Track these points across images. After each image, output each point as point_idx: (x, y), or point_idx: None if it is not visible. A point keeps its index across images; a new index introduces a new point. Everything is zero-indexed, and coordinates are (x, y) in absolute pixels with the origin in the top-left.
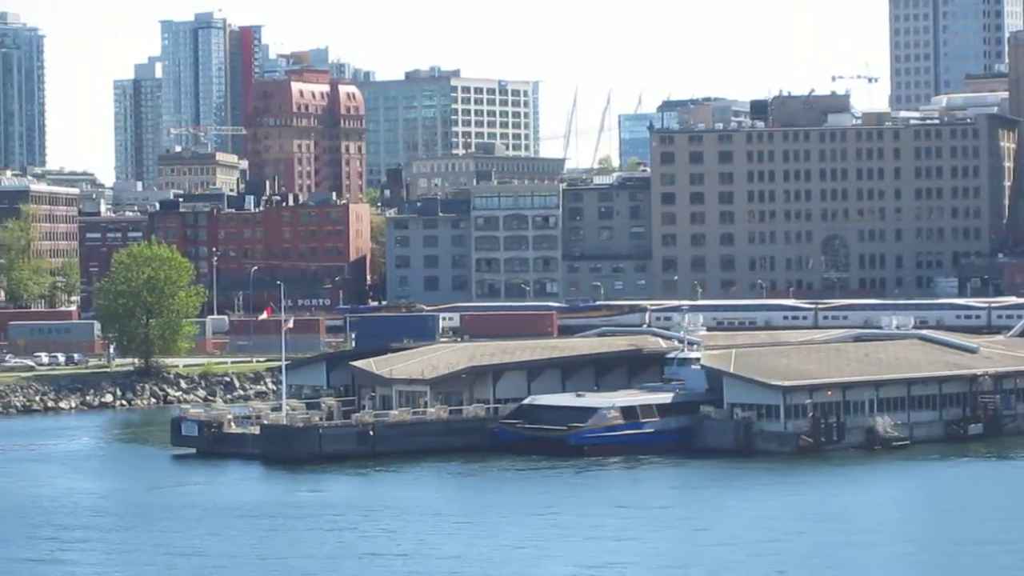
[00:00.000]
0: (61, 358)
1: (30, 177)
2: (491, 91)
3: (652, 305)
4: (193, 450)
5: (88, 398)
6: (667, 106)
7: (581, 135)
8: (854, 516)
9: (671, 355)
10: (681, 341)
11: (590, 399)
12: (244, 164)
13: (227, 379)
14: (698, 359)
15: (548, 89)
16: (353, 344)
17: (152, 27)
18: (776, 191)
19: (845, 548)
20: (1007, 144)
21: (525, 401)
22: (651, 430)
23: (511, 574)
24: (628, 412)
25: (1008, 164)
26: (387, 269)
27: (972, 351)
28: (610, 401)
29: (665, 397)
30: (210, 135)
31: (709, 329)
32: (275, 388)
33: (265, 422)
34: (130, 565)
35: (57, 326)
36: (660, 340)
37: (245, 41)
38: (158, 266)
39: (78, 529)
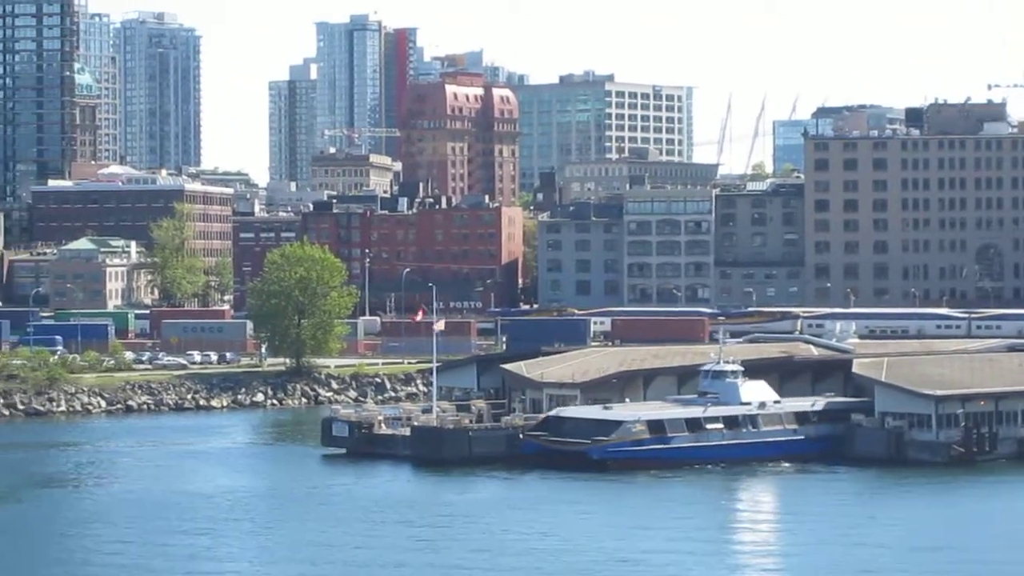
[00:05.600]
0: (213, 357)
1: (185, 176)
2: (645, 96)
3: (804, 312)
4: (343, 450)
5: (239, 397)
6: (822, 112)
7: (735, 141)
8: (1008, 528)
9: (706, 367)
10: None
11: (617, 412)
12: (398, 166)
13: (378, 380)
14: (734, 372)
15: (702, 94)
16: (504, 347)
17: (308, 28)
18: (931, 199)
19: (1000, 560)
20: None
21: (552, 413)
22: (685, 444)
23: None
24: (655, 426)
25: None
26: (539, 273)
27: None
28: (636, 415)
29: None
30: (364, 137)
31: (861, 337)
32: (426, 390)
33: (415, 423)
34: (284, 560)
35: (210, 325)
36: (812, 347)
37: (400, 43)
38: (310, 266)
39: (232, 524)
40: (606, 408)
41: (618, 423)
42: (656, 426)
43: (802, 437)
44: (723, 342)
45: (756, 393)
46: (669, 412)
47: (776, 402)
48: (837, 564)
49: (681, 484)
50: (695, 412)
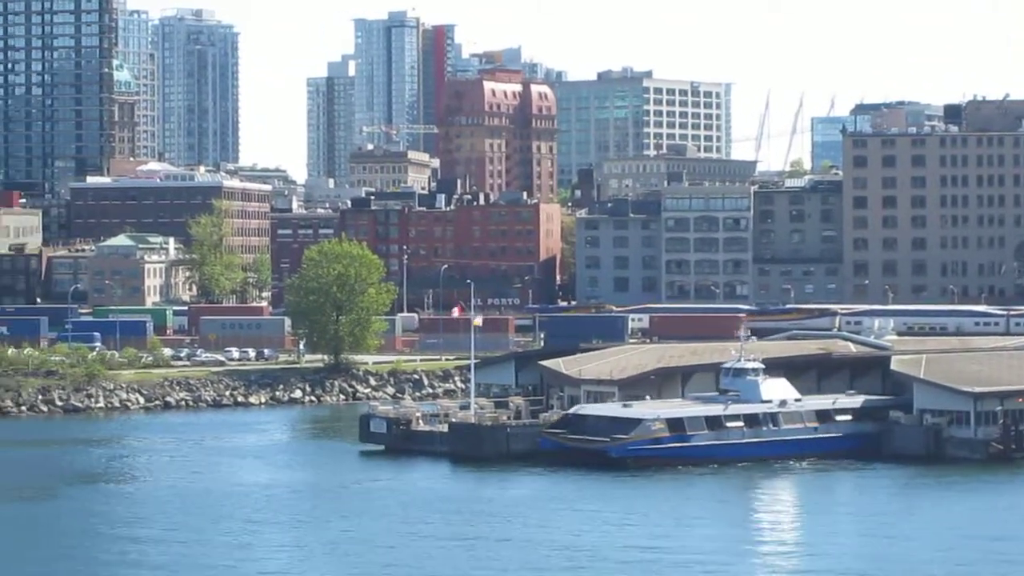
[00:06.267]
0: (251, 353)
1: (223, 173)
2: (683, 92)
3: (842, 309)
4: (381, 447)
5: (278, 393)
6: (860, 109)
7: (773, 137)
8: None
9: (727, 364)
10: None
11: (636, 410)
12: (436, 163)
13: (416, 377)
14: (755, 370)
15: (740, 91)
16: (542, 343)
17: (346, 25)
18: (969, 196)
19: None
20: None
21: (572, 410)
22: (705, 443)
23: None
24: (674, 424)
25: None
26: (577, 269)
27: None
28: (655, 413)
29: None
30: (402, 133)
31: (899, 334)
32: (464, 386)
33: (453, 420)
34: (322, 556)
35: (248, 321)
36: (850, 344)
37: (438, 40)
38: (349, 263)
39: (270, 520)
40: (626, 406)
41: (637, 421)
42: (676, 424)
43: (823, 435)
44: (744, 339)
45: (777, 391)
46: (689, 410)
47: (797, 400)
48: (878, 559)
49: (725, 479)
50: (715, 410)
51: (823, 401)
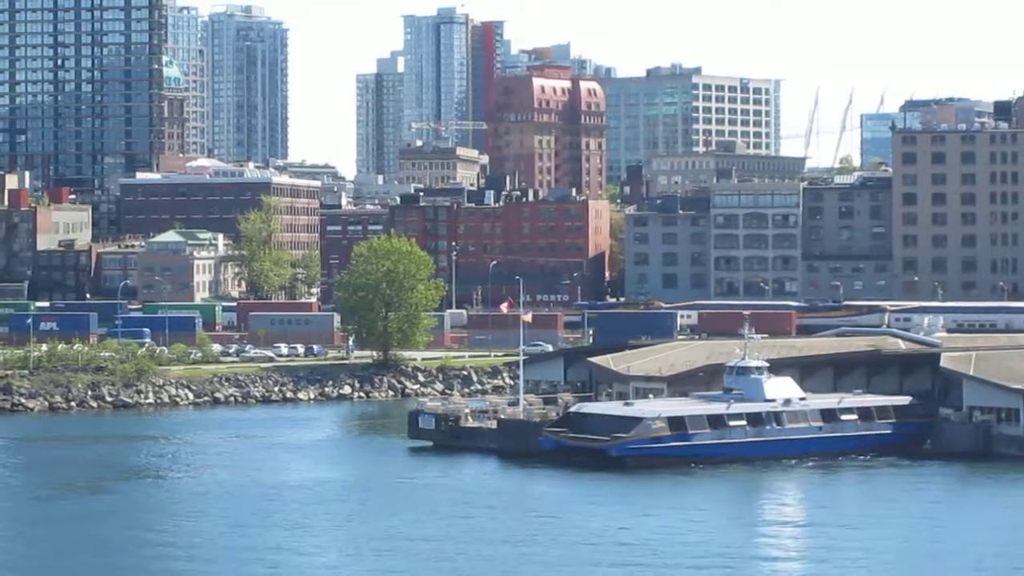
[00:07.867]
0: (300, 349)
1: (272, 169)
2: (732, 89)
3: (892, 306)
4: (430, 443)
5: (327, 389)
6: (910, 106)
7: (822, 134)
8: None
9: (732, 363)
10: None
11: (638, 408)
12: (484, 159)
13: (464, 373)
14: (758, 368)
15: (790, 87)
16: (591, 340)
17: (395, 21)
18: (1019, 193)
19: None
20: None
21: (572, 409)
22: (707, 442)
23: None
24: (675, 423)
25: None
26: (626, 266)
27: None
28: (656, 411)
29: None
30: (451, 130)
31: (949, 331)
32: (512, 383)
33: (502, 416)
34: (371, 551)
35: (297, 317)
36: (900, 341)
37: (487, 36)
38: (397, 259)
39: (319, 515)
40: (627, 404)
41: (638, 420)
42: (677, 423)
43: (828, 435)
44: (748, 338)
45: (781, 390)
46: (691, 409)
47: (801, 399)
48: (934, 557)
49: (766, 479)
50: (717, 409)
51: (828, 400)
